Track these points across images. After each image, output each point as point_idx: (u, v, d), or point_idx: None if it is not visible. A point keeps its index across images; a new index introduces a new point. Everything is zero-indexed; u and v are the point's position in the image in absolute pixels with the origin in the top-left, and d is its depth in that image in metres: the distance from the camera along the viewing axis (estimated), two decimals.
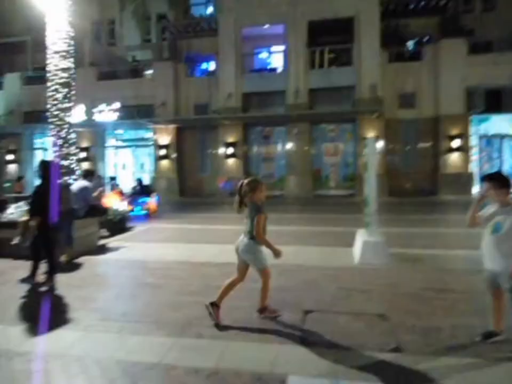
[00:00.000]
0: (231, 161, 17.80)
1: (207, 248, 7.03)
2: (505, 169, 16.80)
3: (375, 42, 16.39)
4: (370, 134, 16.32)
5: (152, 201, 11.42)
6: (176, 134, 18.74)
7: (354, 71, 16.75)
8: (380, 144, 16.42)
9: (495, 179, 3.03)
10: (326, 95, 17.28)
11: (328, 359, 2.96)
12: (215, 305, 3.65)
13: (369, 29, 16.38)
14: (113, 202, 9.21)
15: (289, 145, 17.55)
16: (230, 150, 17.65)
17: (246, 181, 3.72)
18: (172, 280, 5.06)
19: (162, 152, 18.62)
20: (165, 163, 18.77)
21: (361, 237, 5.97)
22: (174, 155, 18.69)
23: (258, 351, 3.11)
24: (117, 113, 17.40)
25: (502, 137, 16.74)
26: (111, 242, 7.59)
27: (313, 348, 3.16)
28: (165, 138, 18.67)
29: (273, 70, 18.85)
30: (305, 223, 10.02)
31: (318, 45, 17.40)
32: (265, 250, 3.70)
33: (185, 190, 18.80)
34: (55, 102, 8.30)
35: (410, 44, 18.20)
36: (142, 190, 11.81)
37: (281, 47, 18.14)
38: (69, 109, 8.47)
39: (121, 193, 10.79)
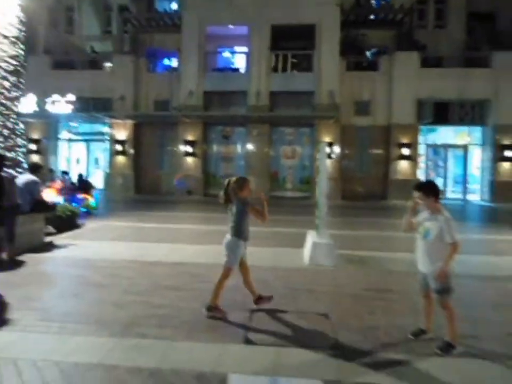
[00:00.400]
0: (189, 159, 17.64)
1: (158, 247, 6.94)
2: (450, 177, 17.97)
3: (335, 50, 16.90)
4: (327, 138, 16.83)
5: (90, 198, 10.98)
6: (134, 130, 18.27)
7: (314, 77, 17.16)
8: (336, 149, 17.01)
9: (424, 188, 3.27)
10: (287, 99, 17.58)
11: (270, 357, 3.05)
12: (260, 298, 4.08)
13: (330, 37, 16.85)
14: (50, 197, 8.75)
15: (248, 146, 17.68)
16: (189, 148, 17.48)
17: (234, 179, 3.91)
18: (119, 279, 4.96)
19: (119, 147, 18.07)
20: (121, 159, 18.24)
21: (311, 239, 6.16)
22: (131, 151, 18.23)
23: (202, 351, 3.14)
24: (72, 105, 16.67)
25: (448, 147, 17.90)
26: (58, 239, 7.30)
27: (257, 346, 3.24)
28: (122, 134, 18.15)
29: (236, 70, 18.92)
30: (260, 223, 10.17)
31: (281, 49, 17.69)
32: (243, 250, 3.98)
33: (142, 187, 18.39)
34: (3, 91, 7.84)
35: (368, 54, 18.99)
36: (81, 186, 11.35)
37: (245, 48, 18.25)
38: (17, 98, 8.03)
39: (60, 188, 10.28)
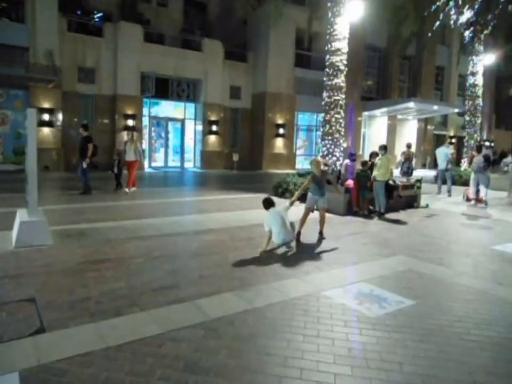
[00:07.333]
0: None
1: None
2: (170, 147, 19.65)
3: (52, 4, 14.95)
4: (46, 104, 15.05)
5: None
6: None
7: (28, 31, 14.68)
8: (58, 117, 15.45)
9: None
10: None
11: None
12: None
13: None
14: None
15: None
16: None
17: None
18: None
19: None
20: None
21: (20, 218, 5.46)
22: None
23: None
24: None
25: (168, 120, 19.47)
26: None
27: None
28: None
29: None
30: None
31: None
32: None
33: None
34: None
35: (94, 17, 17.82)
36: None
37: None
38: None
39: None
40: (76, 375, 2.48)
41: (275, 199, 6.17)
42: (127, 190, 10.49)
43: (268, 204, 5.45)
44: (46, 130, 15.13)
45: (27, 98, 15.08)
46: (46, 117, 15.02)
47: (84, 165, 9.77)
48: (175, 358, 2.71)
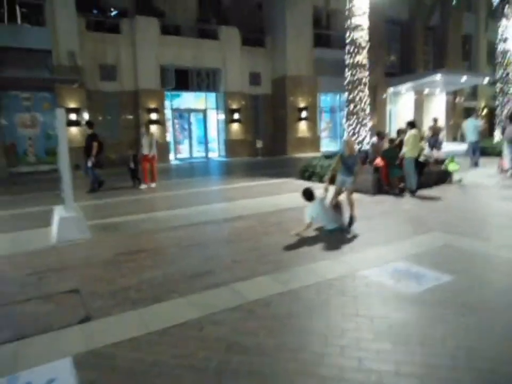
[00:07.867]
0: None
1: None
2: (194, 138, 19.77)
3: (70, 5, 15.19)
4: (72, 104, 15.43)
5: None
6: None
7: (49, 34, 15.01)
8: (85, 116, 15.84)
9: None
10: (17, 57, 14.75)
11: (7, 355, 2.71)
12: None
13: None
14: None
15: None
16: None
17: None
18: None
19: None
20: None
21: (58, 214, 5.69)
22: None
23: None
24: None
25: (190, 111, 19.58)
26: None
27: None
28: None
29: None
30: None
31: None
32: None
33: None
34: None
35: (111, 14, 18.02)
36: None
37: None
38: None
39: None
40: (125, 358, 2.60)
41: (301, 182, 6.13)
42: (143, 186, 10.44)
43: (309, 196, 5.44)
44: (73, 129, 15.54)
45: (54, 100, 15.50)
46: (73, 116, 15.42)
47: (89, 164, 9.76)
48: (216, 339, 2.78)
